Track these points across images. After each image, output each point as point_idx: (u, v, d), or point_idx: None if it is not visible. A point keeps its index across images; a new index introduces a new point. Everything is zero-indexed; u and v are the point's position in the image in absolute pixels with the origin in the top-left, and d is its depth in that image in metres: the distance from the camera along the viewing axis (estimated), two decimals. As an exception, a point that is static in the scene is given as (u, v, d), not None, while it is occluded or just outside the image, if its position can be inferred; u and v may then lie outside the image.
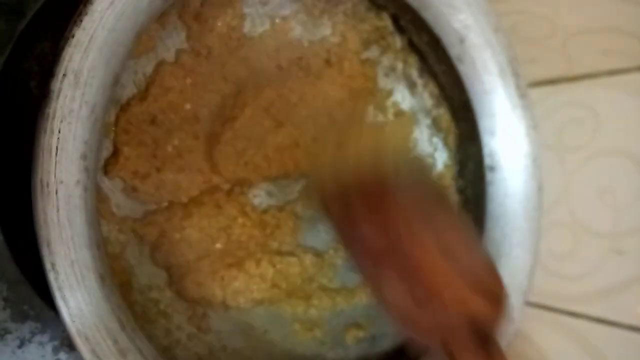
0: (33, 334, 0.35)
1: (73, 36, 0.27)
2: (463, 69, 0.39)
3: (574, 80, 0.40)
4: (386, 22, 0.41)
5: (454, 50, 0.39)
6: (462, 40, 0.39)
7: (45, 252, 0.27)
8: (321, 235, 0.41)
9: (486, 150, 0.40)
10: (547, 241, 0.40)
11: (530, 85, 0.40)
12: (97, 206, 0.32)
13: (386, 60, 0.42)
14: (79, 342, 0.27)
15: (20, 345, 0.35)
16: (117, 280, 0.33)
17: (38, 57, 0.36)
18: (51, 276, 0.27)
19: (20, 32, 0.35)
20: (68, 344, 0.35)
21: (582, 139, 0.41)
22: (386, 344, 0.41)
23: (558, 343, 0.42)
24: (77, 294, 0.27)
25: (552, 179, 0.41)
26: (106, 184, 0.34)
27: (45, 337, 0.35)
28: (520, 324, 0.38)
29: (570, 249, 0.42)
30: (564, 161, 0.42)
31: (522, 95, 0.39)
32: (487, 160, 0.40)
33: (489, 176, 0.40)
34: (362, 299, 0.41)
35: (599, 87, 0.39)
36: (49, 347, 0.35)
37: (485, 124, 0.40)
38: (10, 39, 0.34)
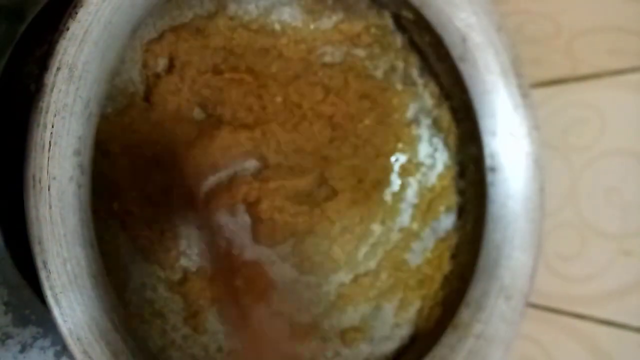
0: (35, 338, 0.34)
1: (68, 29, 0.26)
2: (464, 69, 0.39)
3: (579, 80, 0.40)
4: (387, 20, 0.40)
5: (455, 50, 0.38)
6: (464, 40, 0.38)
7: (36, 249, 0.26)
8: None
9: (487, 150, 0.39)
10: (554, 243, 0.40)
11: (535, 86, 0.40)
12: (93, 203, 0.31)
13: (386, 60, 0.42)
14: (70, 342, 0.27)
15: (22, 350, 0.34)
16: (112, 279, 0.33)
17: (39, 60, 0.35)
18: (42, 275, 0.26)
19: (21, 35, 0.34)
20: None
21: (589, 139, 0.40)
22: (386, 347, 0.40)
23: (565, 345, 0.41)
24: (69, 294, 0.26)
25: (558, 180, 0.40)
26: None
27: (47, 342, 0.34)
28: (527, 327, 0.38)
29: (578, 250, 0.41)
30: (570, 162, 0.41)
31: (524, 95, 0.38)
32: (488, 161, 0.40)
33: (490, 177, 0.40)
34: (358, 304, 0.40)
35: (605, 87, 0.39)
36: (50, 352, 0.35)
37: (486, 124, 0.39)
38: (11, 42, 0.34)
